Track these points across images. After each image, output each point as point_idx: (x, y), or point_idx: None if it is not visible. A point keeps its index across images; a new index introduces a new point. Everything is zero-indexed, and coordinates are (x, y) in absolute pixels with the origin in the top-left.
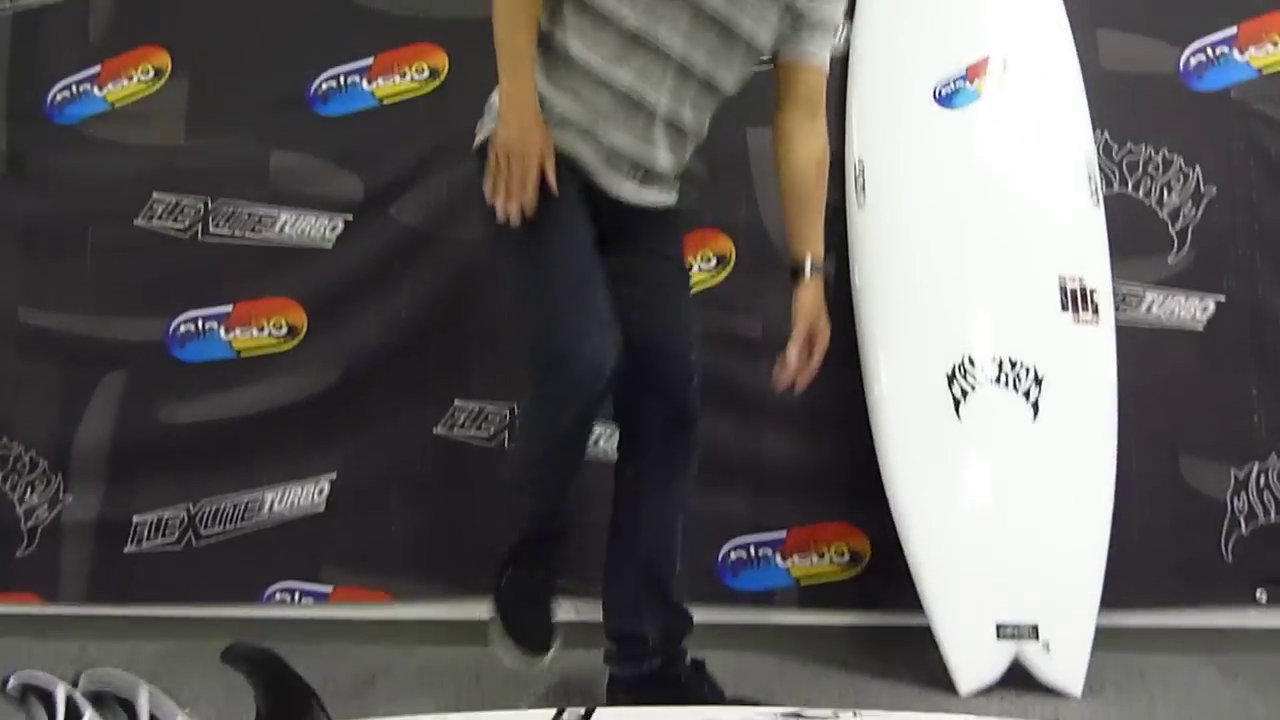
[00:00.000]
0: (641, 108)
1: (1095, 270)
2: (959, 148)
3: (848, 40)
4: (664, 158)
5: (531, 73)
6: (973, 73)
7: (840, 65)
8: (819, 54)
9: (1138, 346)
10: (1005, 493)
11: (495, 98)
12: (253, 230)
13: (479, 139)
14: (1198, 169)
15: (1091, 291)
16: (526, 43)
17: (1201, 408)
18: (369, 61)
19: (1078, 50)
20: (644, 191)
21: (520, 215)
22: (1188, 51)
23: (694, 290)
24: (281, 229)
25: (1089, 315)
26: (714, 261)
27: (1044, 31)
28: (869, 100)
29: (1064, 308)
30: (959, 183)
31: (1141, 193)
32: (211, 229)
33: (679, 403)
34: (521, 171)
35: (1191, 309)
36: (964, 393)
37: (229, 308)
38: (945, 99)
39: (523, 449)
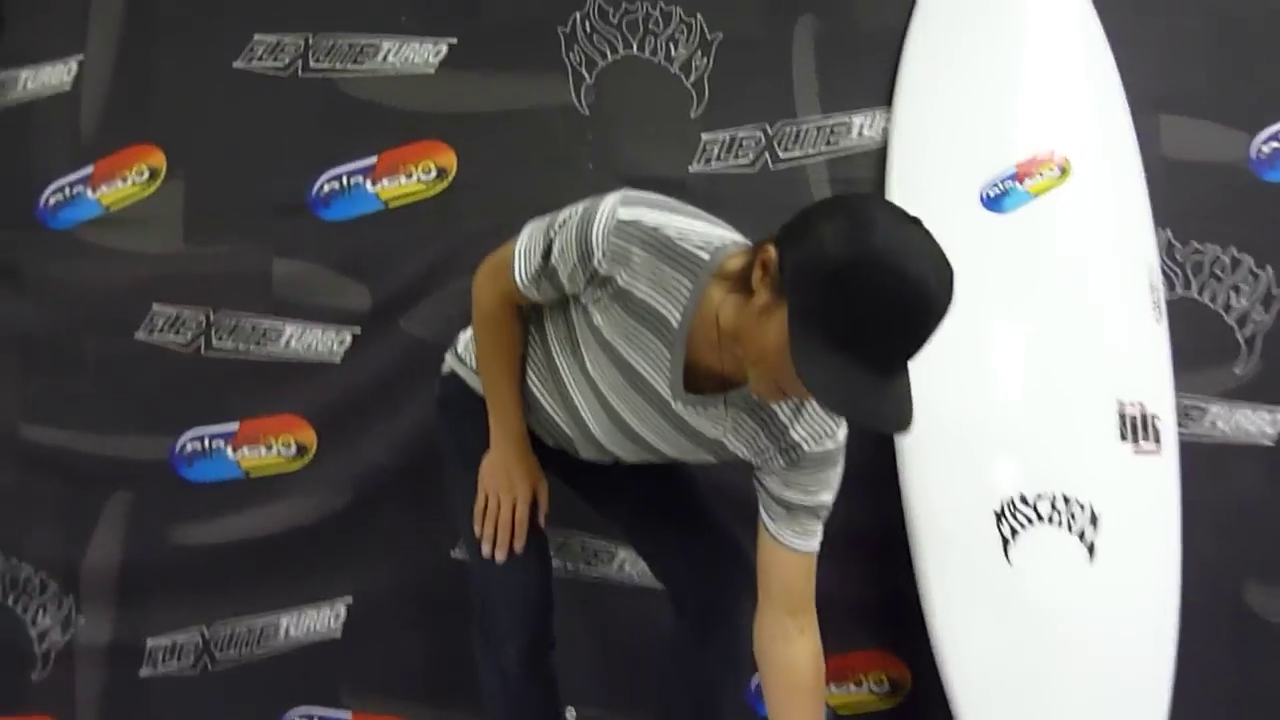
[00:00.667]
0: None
1: (1157, 394)
2: (1008, 257)
3: (885, 132)
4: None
5: (519, 416)
6: (1024, 171)
7: (878, 160)
8: (798, 541)
9: (1201, 465)
10: (1058, 638)
11: (464, 335)
12: (257, 344)
13: (447, 366)
14: (1269, 270)
15: (1153, 418)
16: (509, 390)
17: (1270, 530)
18: (372, 161)
19: (1139, 138)
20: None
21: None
22: (1259, 139)
23: None
24: (287, 343)
25: (1150, 444)
26: None
27: (1102, 119)
28: (908, 202)
29: (1123, 437)
30: (1007, 297)
31: (1207, 296)
32: (214, 343)
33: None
34: (510, 514)
35: (1260, 423)
36: (1013, 532)
37: (235, 425)
38: (993, 202)
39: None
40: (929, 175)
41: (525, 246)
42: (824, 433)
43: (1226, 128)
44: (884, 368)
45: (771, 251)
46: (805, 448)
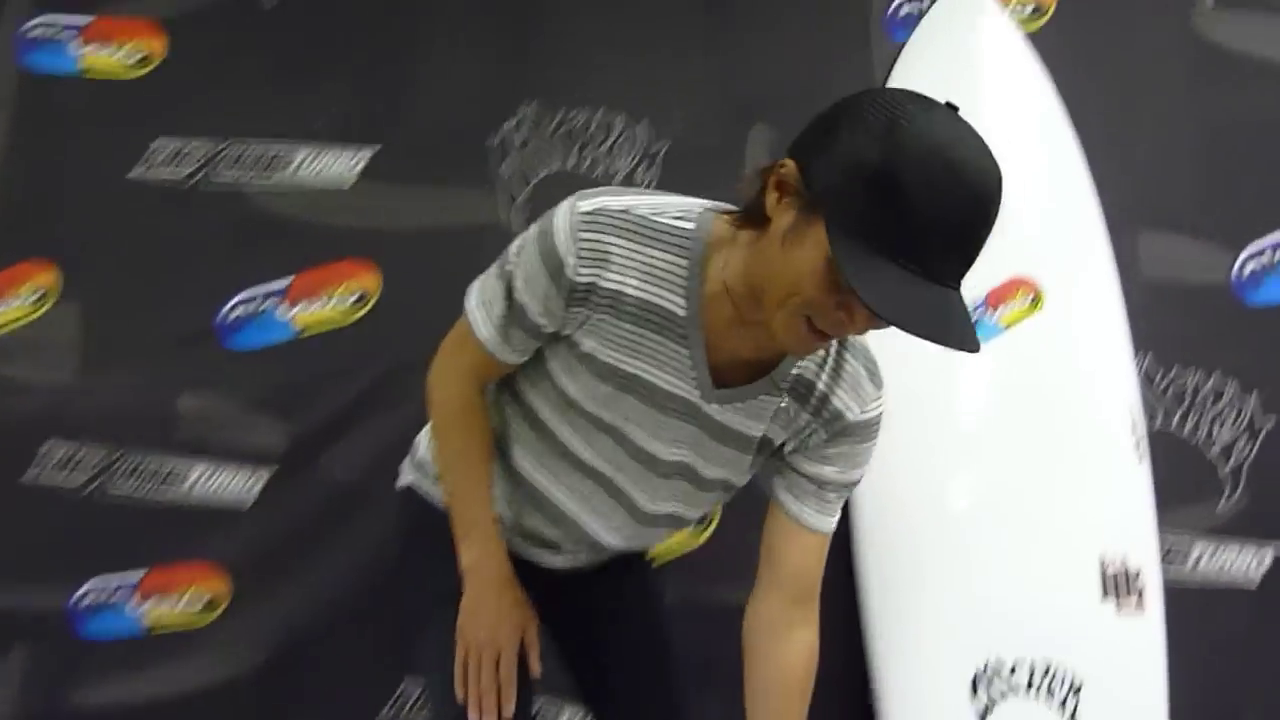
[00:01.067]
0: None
1: (1140, 544)
2: (978, 396)
3: None
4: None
5: (497, 534)
6: (995, 299)
7: None
8: (819, 519)
9: (1183, 610)
10: None
11: (424, 438)
12: (162, 484)
13: (405, 479)
14: (1254, 396)
15: (1136, 574)
16: (484, 501)
17: (1256, 677)
18: (286, 283)
19: (1117, 257)
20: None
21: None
22: (1242, 257)
23: (669, 557)
24: (195, 484)
25: (1133, 603)
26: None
27: (1077, 239)
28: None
29: (1105, 594)
30: (978, 441)
31: (1189, 428)
32: (114, 484)
33: None
34: (494, 672)
35: (1245, 563)
36: (991, 702)
37: (139, 575)
38: None
39: None
40: None
41: (481, 299)
42: (866, 396)
43: (1209, 245)
44: (944, 274)
45: (791, 165)
46: (849, 415)
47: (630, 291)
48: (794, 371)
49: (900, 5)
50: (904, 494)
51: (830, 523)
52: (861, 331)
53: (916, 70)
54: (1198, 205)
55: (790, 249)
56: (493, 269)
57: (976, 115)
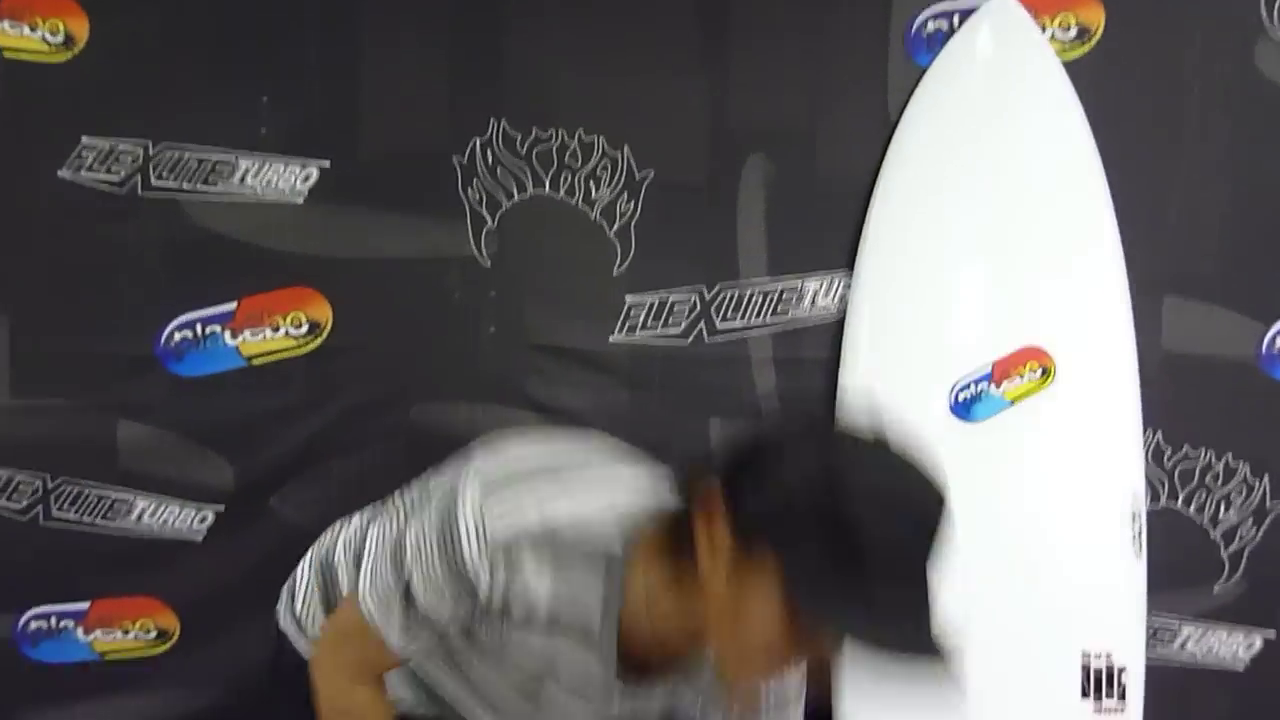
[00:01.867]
0: None
1: (1127, 641)
2: (973, 476)
3: (843, 301)
4: None
5: None
6: (1002, 372)
7: (832, 337)
8: None
9: (1165, 689)
10: None
11: (300, 588)
12: (104, 517)
13: (281, 621)
14: (1265, 480)
15: (1120, 671)
16: None
17: None
18: (231, 307)
19: (1137, 323)
20: None
21: None
22: (1273, 331)
23: None
24: (140, 517)
25: (1114, 704)
26: None
27: (1097, 305)
28: (863, 400)
29: (1084, 694)
30: (966, 528)
31: (1194, 508)
32: (54, 512)
33: None
34: None
35: (1234, 646)
36: None
37: (86, 604)
38: (963, 407)
39: None
40: (891, 363)
41: (375, 593)
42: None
43: (1238, 315)
44: (917, 583)
45: (718, 519)
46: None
47: (544, 607)
48: (698, 677)
49: (925, 20)
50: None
51: None
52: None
53: (940, 102)
54: (1229, 272)
55: (732, 591)
56: (383, 554)
57: (1002, 159)
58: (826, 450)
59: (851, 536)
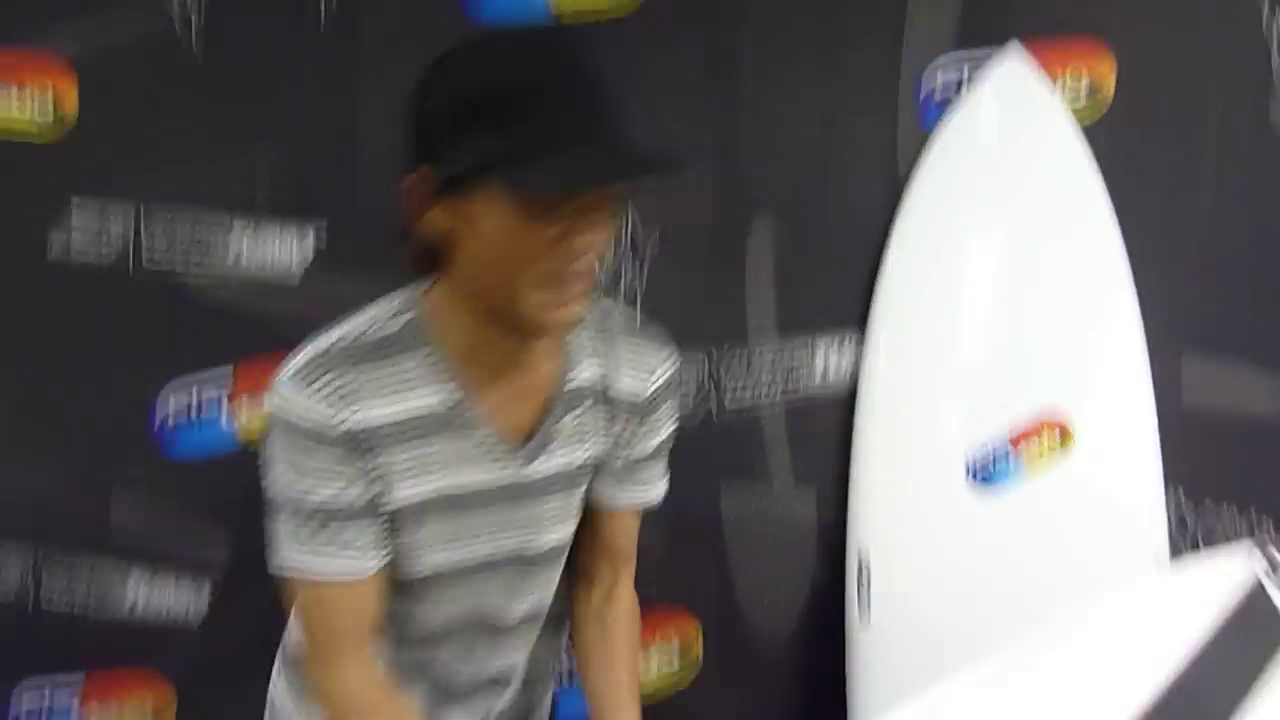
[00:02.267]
0: None
1: None
2: (994, 547)
3: (854, 367)
4: None
5: None
6: (1019, 437)
7: (845, 404)
8: (642, 493)
9: None
10: None
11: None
12: (97, 598)
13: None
14: None
15: None
16: None
17: None
18: (228, 386)
19: (1156, 379)
20: None
21: None
22: None
23: (657, 698)
24: (133, 594)
25: None
26: (676, 657)
27: (1115, 366)
28: (877, 477)
29: None
30: (991, 598)
31: None
32: (43, 598)
33: None
34: None
35: None
36: None
37: (79, 676)
38: (981, 475)
39: None
40: (905, 430)
41: (290, 543)
42: (654, 362)
43: (1260, 372)
44: (597, 133)
45: (414, 195)
46: (648, 389)
47: (390, 414)
48: (570, 386)
49: (936, 74)
50: (912, 656)
51: (655, 491)
52: (598, 243)
53: (951, 159)
54: (1248, 327)
55: (478, 238)
56: (276, 520)
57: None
58: (435, 65)
59: (501, 109)
